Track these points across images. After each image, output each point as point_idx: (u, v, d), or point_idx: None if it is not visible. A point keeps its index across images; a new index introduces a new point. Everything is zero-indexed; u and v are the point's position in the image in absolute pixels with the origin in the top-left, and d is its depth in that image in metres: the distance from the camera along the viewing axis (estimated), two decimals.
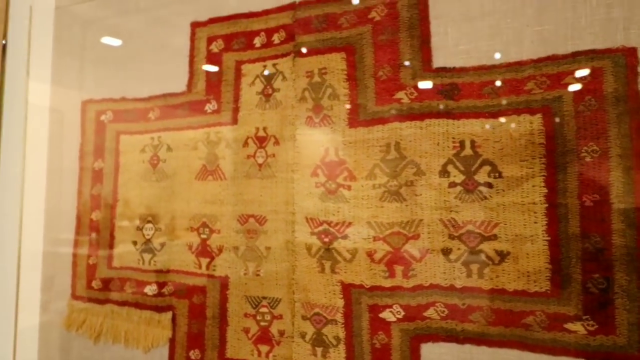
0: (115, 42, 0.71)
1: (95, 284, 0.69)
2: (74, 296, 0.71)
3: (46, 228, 0.75)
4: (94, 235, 0.69)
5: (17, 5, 0.84)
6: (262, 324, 0.57)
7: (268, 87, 0.58)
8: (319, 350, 0.53)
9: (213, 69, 0.62)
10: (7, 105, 0.84)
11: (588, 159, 0.43)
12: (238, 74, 0.60)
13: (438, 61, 0.51)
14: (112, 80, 0.71)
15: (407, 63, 0.51)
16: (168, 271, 0.63)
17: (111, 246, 0.68)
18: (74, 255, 0.71)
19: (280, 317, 0.56)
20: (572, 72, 0.44)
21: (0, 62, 0.86)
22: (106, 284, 0.68)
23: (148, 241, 0.65)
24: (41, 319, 0.74)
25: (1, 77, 0.86)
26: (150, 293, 0.64)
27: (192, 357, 0.60)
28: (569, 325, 0.43)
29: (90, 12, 0.74)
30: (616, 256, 0.43)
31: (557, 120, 0.45)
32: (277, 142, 0.57)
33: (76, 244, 0.71)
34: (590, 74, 0.44)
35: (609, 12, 0.44)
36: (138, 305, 0.66)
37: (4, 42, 0.87)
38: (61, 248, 0.73)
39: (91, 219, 0.70)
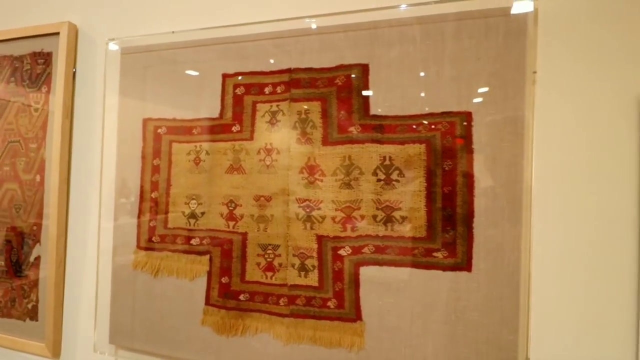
0: (168, 80, 0.90)
1: (155, 238, 0.88)
2: (139, 247, 0.89)
3: (116, 204, 0.93)
4: (153, 206, 0.89)
5: (88, 41, 1.00)
6: (268, 259, 0.78)
7: (273, 119, 0.79)
8: (302, 273, 0.76)
9: (238, 105, 0.83)
10: (83, 117, 1.00)
11: (446, 169, 0.67)
12: (254, 109, 0.81)
13: (373, 110, 0.71)
14: (166, 107, 0.89)
15: (355, 111, 0.74)
16: (207, 230, 0.83)
17: (166, 214, 0.87)
18: (139, 220, 0.90)
19: (279, 255, 0.77)
20: (440, 122, 0.69)
21: (71, 84, 1.03)
22: (163, 238, 0.87)
23: (193, 211, 0.85)
24: (113, 262, 0.93)
25: (72, 96, 1.03)
26: (194, 244, 0.84)
27: (223, 282, 0.82)
28: (435, 254, 0.66)
29: (148, 59, 0.92)
30: (458, 218, 0.66)
31: (432, 148, 0.67)
32: (278, 152, 0.79)
33: (140, 212, 0.90)
34: (449, 124, 0.68)
35: (459, 89, 0.70)
36: (185, 251, 0.84)
37: (74, 69, 1.03)
38: (128, 216, 0.92)
39: (151, 197, 0.89)
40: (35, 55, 1.06)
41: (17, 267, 1.05)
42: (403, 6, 0.72)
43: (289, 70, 0.78)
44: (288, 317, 0.76)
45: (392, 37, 0.72)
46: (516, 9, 0.66)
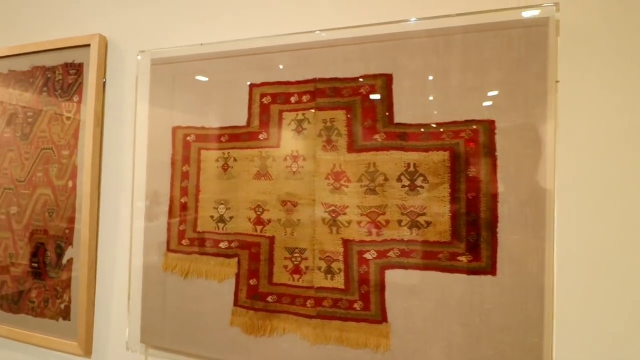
0: (196, 90, 0.92)
1: (184, 242, 0.90)
2: (169, 249, 0.91)
3: (147, 208, 0.96)
4: (183, 211, 0.91)
5: (116, 52, 1.03)
6: (295, 262, 0.80)
7: (299, 127, 0.81)
8: (329, 275, 0.78)
9: (264, 114, 0.85)
10: (112, 125, 1.03)
11: (470, 175, 0.68)
12: (280, 118, 0.83)
13: (397, 119, 0.73)
14: (194, 116, 0.91)
15: (379, 119, 0.76)
16: (235, 234, 0.85)
17: (195, 218, 0.90)
18: (169, 224, 0.92)
19: (306, 259, 0.79)
20: (464, 130, 0.71)
21: (101, 94, 1.06)
22: (192, 241, 0.90)
23: (221, 215, 0.87)
24: (144, 264, 0.95)
25: (102, 105, 1.06)
26: (222, 247, 0.87)
27: (251, 283, 0.84)
28: (459, 258, 0.68)
29: (177, 70, 0.94)
30: (482, 223, 0.68)
31: (456, 154, 0.69)
32: (304, 159, 0.81)
33: (169, 216, 0.92)
34: (472, 131, 0.70)
35: (482, 97, 0.71)
36: (214, 254, 0.86)
37: (104, 79, 1.06)
38: (158, 220, 0.94)
39: (181, 202, 0.91)
40: (67, 66, 1.09)
41: (50, 268, 1.08)
42: (413, 19, 0.74)
43: (314, 80, 0.80)
44: (315, 319, 0.78)
45: (415, 48, 0.74)
46: (537, 20, 0.67)
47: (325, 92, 0.79)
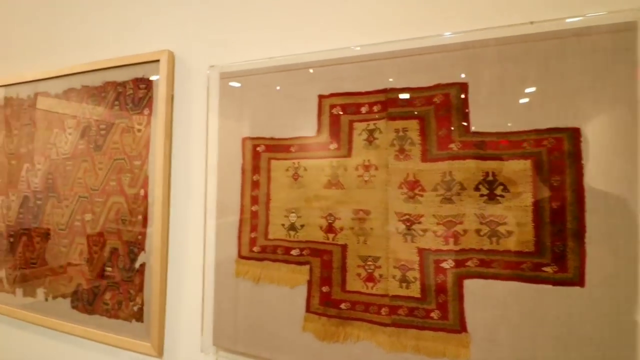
0: (265, 102, 0.94)
1: (256, 249, 0.93)
2: (240, 256, 0.94)
3: (217, 216, 0.99)
4: (254, 219, 0.94)
5: (183, 67, 1.07)
6: (369, 270, 0.81)
7: (370, 137, 0.82)
8: (404, 284, 0.78)
9: (334, 124, 0.86)
10: (181, 137, 1.07)
11: (555, 184, 0.67)
12: (351, 128, 0.84)
13: (474, 127, 0.72)
14: (263, 127, 0.93)
15: (455, 128, 0.76)
16: (306, 242, 0.86)
17: (266, 226, 0.92)
18: (240, 232, 0.95)
19: (380, 267, 0.80)
20: (546, 138, 0.69)
21: (171, 107, 1.10)
22: (264, 249, 0.92)
23: (292, 223, 0.89)
24: (216, 270, 0.99)
25: (171, 117, 1.10)
26: (294, 254, 0.89)
27: (324, 290, 0.85)
28: (544, 268, 0.66)
29: (245, 83, 0.97)
30: (568, 233, 0.66)
31: (539, 163, 0.68)
32: (376, 168, 0.81)
33: (240, 225, 0.95)
34: (555, 140, 0.68)
35: (565, 105, 0.70)
36: (286, 261, 0.88)
37: (172, 93, 1.11)
38: (230, 228, 0.97)
39: (251, 210, 0.94)
40: (137, 81, 1.15)
41: (123, 272, 1.13)
42: (486, 27, 0.73)
43: (385, 91, 0.81)
44: (389, 327, 0.78)
45: (491, 56, 0.73)
46: (625, 25, 0.65)
47: (397, 102, 0.80)
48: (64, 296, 1.25)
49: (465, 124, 0.74)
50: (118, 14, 1.24)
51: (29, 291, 1.34)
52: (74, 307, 1.23)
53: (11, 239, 1.39)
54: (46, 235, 1.30)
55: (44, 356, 1.33)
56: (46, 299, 1.29)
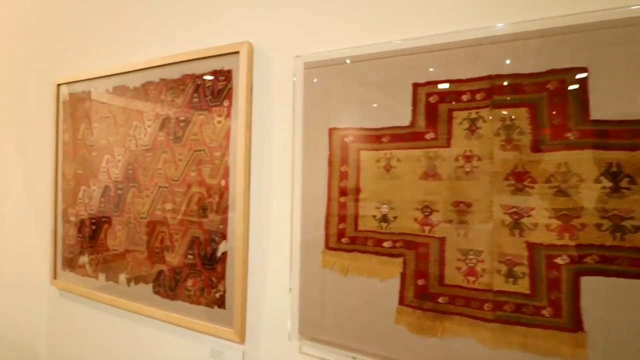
0: (353, 91, 0.92)
1: (344, 240, 0.92)
2: (327, 247, 0.94)
3: (303, 207, 0.99)
4: (342, 210, 0.93)
5: (262, 58, 1.07)
6: (470, 264, 0.78)
7: (472, 125, 0.78)
8: (510, 279, 0.75)
9: (431, 113, 0.83)
10: (261, 127, 1.07)
11: None
12: (450, 117, 0.81)
13: (594, 115, 0.67)
14: (352, 117, 0.92)
15: (571, 116, 0.70)
16: (399, 233, 0.85)
17: (356, 217, 0.90)
18: (327, 223, 0.94)
19: (483, 261, 0.76)
20: None
21: (250, 98, 1.11)
22: (353, 240, 0.91)
23: (384, 215, 0.87)
24: (301, 260, 0.99)
25: (250, 107, 1.11)
26: (386, 246, 0.87)
27: (419, 284, 0.83)
28: None
29: (332, 73, 0.96)
30: None
31: None
32: (479, 159, 0.78)
33: (328, 215, 0.95)
34: None
35: None
36: (377, 253, 0.87)
37: (252, 85, 1.11)
38: (316, 219, 0.97)
39: (339, 201, 0.93)
40: (216, 72, 1.16)
41: (205, 260, 1.16)
42: (608, 8, 0.67)
43: (489, 77, 0.77)
44: (493, 322, 0.76)
45: (617, 38, 0.67)
46: None
47: (504, 89, 0.76)
48: (145, 281, 1.30)
49: (584, 111, 0.69)
50: (195, 7, 1.25)
51: (111, 276, 1.41)
52: (155, 292, 1.28)
53: (93, 227, 1.47)
54: (127, 223, 1.36)
55: (125, 338, 1.40)
56: (128, 284, 1.35)
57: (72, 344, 1.58)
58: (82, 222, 1.51)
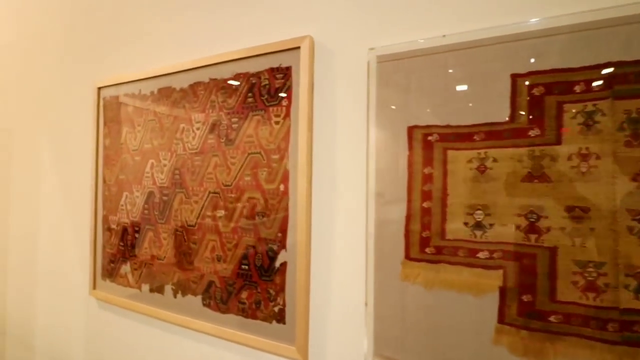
0: (438, 85, 0.84)
1: (429, 250, 0.83)
2: (408, 258, 0.84)
3: (377, 214, 0.90)
4: (426, 216, 0.84)
5: (324, 53, 0.99)
6: (589, 278, 0.68)
7: (589, 120, 0.69)
8: None
9: (535, 107, 0.74)
10: (323, 127, 0.99)
11: None
12: (560, 111, 0.71)
13: None
14: (436, 113, 0.83)
15: None
16: (497, 242, 0.75)
17: (443, 224, 0.81)
18: (407, 231, 0.85)
19: (605, 274, 0.66)
20: None
21: (312, 97, 1.03)
22: (439, 250, 0.82)
23: (478, 222, 0.78)
24: (376, 273, 0.90)
25: (311, 106, 1.03)
26: (482, 257, 0.77)
27: (524, 300, 0.73)
28: None
29: (410, 66, 0.87)
30: None
31: None
32: (598, 157, 0.68)
33: (408, 222, 0.86)
34: None
35: None
36: (469, 264, 0.77)
37: (313, 82, 1.03)
38: (393, 226, 0.88)
39: (422, 206, 0.84)
40: (273, 70, 1.09)
41: (261, 271, 1.08)
42: None
43: (608, 65, 0.67)
44: (620, 345, 0.65)
45: None
46: None
47: (628, 78, 0.66)
48: (194, 293, 1.23)
49: None
50: (247, 2, 1.19)
51: (156, 286, 1.34)
52: (205, 305, 1.20)
53: (136, 235, 1.40)
54: (174, 230, 1.29)
55: (169, 353, 1.32)
56: (174, 296, 1.28)
57: (112, 358, 1.51)
58: (125, 229, 1.45)
